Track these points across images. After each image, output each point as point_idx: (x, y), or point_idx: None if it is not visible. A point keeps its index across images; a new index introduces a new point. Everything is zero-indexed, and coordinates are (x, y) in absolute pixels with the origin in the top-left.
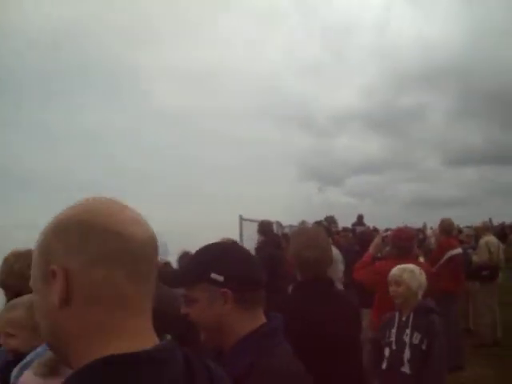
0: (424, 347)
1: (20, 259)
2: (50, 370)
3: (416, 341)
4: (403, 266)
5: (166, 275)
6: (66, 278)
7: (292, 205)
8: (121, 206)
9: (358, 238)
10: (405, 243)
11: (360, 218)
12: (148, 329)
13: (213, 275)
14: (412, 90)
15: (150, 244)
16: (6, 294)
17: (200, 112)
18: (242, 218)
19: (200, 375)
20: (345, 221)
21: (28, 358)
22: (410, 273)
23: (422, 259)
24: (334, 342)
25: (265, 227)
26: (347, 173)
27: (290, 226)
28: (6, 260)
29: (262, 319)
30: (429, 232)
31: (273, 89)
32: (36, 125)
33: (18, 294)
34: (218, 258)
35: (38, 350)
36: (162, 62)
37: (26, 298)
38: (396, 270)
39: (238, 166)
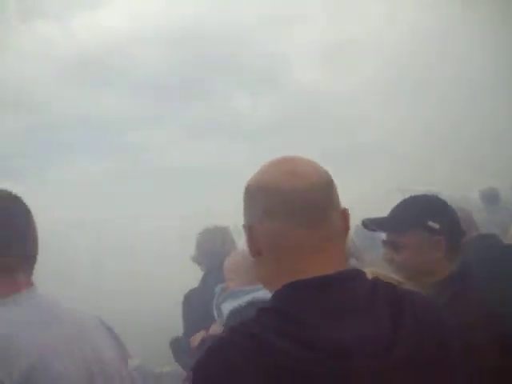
0: None
1: None
2: None
3: None
4: None
5: None
6: (250, 233)
7: None
8: (285, 162)
9: None
10: None
11: None
12: (327, 263)
13: (430, 223)
14: None
15: (310, 193)
16: None
17: None
18: None
19: (385, 290)
20: None
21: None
22: None
23: None
24: None
25: None
26: None
27: None
28: None
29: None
30: None
31: None
32: None
33: None
34: (434, 207)
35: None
36: None
37: (240, 249)
38: None
39: None
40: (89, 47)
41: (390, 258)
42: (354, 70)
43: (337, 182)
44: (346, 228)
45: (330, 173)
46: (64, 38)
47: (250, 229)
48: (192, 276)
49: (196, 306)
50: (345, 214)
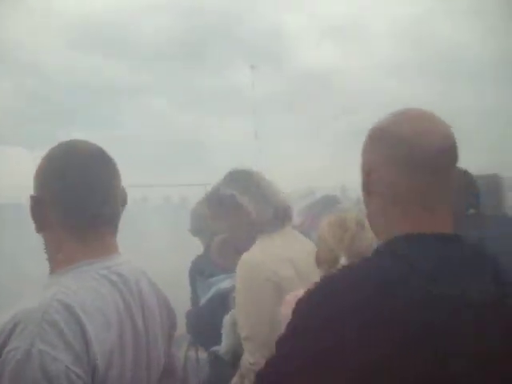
0: None
1: None
2: None
3: None
4: None
5: None
6: (368, 174)
7: None
8: (423, 118)
9: None
10: None
11: None
12: (438, 222)
13: None
14: None
15: (434, 153)
16: None
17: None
18: None
19: (485, 255)
20: None
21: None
22: None
23: None
24: None
25: None
26: None
27: None
28: None
29: None
30: None
31: None
32: None
33: None
34: None
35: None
36: None
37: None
38: None
39: None
40: (90, 12)
41: None
42: (360, 49)
43: (334, 162)
44: (455, 189)
45: (328, 154)
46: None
47: (369, 168)
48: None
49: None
50: (460, 176)
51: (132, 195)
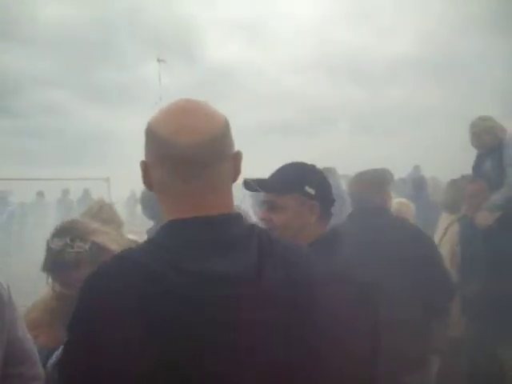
0: None
1: None
2: None
3: None
4: None
5: None
6: (145, 169)
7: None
8: (180, 113)
9: None
10: None
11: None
12: (210, 207)
13: (307, 188)
14: None
15: (193, 151)
16: None
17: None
18: None
19: (260, 235)
20: None
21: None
22: None
23: None
24: None
25: None
26: None
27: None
28: None
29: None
30: None
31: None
32: None
33: None
34: (312, 175)
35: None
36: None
37: (39, 300)
38: None
39: None
40: None
41: (268, 218)
42: (270, 48)
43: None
44: (236, 171)
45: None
46: None
47: (145, 165)
48: None
49: None
50: (236, 158)
51: (30, 189)
